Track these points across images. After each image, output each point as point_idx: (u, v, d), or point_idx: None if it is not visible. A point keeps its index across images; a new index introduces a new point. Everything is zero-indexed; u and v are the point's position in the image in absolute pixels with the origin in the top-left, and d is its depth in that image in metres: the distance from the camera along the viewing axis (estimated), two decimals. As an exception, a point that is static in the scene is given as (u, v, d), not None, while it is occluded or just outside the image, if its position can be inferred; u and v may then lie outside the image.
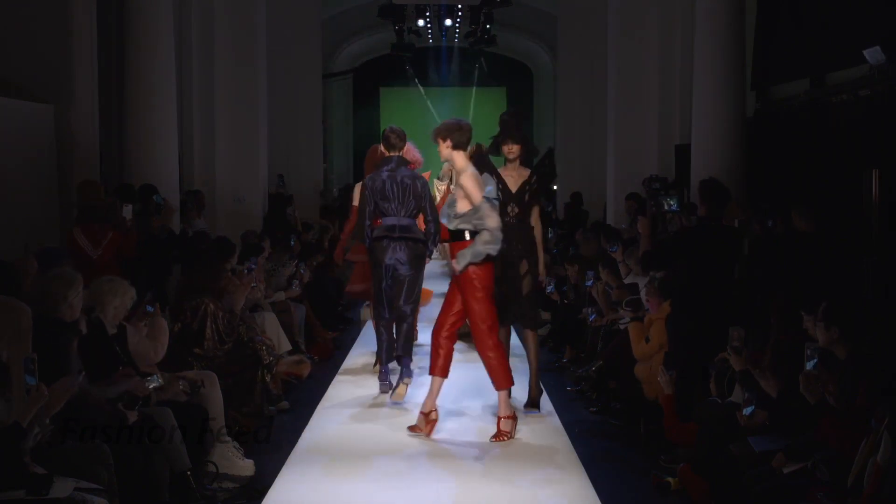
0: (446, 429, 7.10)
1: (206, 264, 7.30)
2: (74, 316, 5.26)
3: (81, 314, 5.37)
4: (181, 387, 5.97)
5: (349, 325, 11.45)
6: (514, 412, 7.04)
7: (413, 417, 7.16)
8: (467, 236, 6.85)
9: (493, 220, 6.77)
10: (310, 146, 17.48)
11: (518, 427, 7.01)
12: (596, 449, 6.73)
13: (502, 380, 6.90)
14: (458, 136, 6.98)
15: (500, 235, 6.81)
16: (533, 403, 7.63)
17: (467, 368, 9.06)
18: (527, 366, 7.81)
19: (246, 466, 6.01)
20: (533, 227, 7.66)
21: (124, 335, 5.93)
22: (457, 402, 7.80)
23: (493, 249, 6.77)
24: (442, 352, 6.97)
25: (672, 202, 7.35)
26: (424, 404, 7.04)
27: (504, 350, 7.18)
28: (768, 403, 5.29)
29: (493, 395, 7.75)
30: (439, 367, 6.97)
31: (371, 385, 8.35)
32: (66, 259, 7.04)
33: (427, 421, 6.97)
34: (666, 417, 6.48)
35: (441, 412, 7.25)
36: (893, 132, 8.24)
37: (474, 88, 25.90)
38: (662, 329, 7.05)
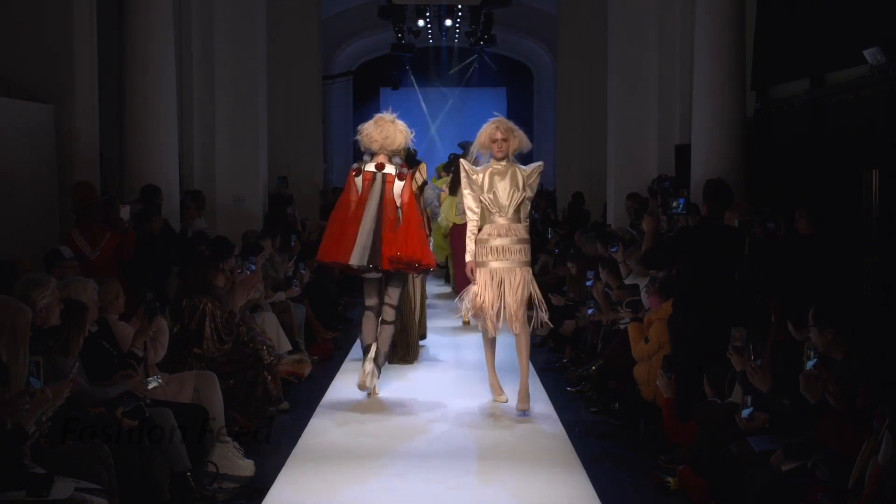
0: (445, 429, 7.11)
1: (202, 264, 7.29)
2: (50, 320, 5.07)
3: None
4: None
5: (349, 325, 11.43)
6: None
7: (405, 419, 7.34)
8: None
9: None
10: (310, 146, 17.46)
11: (518, 427, 7.15)
12: (596, 449, 6.72)
13: None
14: None
15: None
16: None
17: (463, 370, 9.06)
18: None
19: (246, 466, 6.00)
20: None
21: (108, 329, 5.92)
22: (454, 404, 7.80)
23: None
24: None
25: (678, 204, 7.35)
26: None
27: None
28: (767, 405, 5.28)
29: (487, 397, 7.82)
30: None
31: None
32: (71, 260, 7.05)
33: None
34: (665, 420, 6.47)
35: (438, 414, 7.37)
36: (893, 132, 8.24)
37: (474, 88, 25.85)
38: (662, 329, 7.04)
